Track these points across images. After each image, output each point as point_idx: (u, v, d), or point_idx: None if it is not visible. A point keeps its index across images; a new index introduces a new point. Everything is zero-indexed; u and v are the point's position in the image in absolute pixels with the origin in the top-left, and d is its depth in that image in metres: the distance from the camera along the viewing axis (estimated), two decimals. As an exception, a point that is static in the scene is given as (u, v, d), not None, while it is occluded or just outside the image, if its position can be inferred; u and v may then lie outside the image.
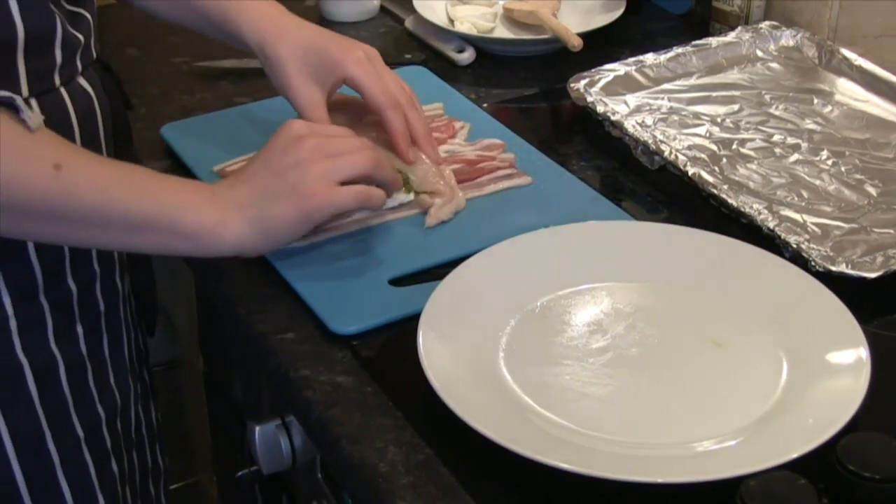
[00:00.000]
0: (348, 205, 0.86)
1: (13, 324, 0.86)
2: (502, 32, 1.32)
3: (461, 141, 1.08)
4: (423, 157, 0.97)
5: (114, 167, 0.82)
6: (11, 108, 0.77)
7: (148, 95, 1.19)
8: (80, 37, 0.86)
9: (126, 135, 0.98)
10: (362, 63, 0.94)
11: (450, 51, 1.28)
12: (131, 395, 0.99)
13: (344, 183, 0.85)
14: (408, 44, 1.33)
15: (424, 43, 1.32)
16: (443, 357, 0.79)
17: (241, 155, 1.03)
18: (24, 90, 0.82)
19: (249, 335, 0.89)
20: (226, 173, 1.01)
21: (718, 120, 1.11)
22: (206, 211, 0.82)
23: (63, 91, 0.86)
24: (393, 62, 1.24)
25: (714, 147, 1.06)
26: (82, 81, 0.88)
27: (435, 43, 1.30)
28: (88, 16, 0.88)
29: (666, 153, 1.03)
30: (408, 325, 0.83)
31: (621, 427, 0.76)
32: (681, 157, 1.03)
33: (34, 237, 0.83)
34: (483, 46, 1.29)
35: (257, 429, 0.92)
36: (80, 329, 0.91)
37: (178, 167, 1.06)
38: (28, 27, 0.80)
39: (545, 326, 0.85)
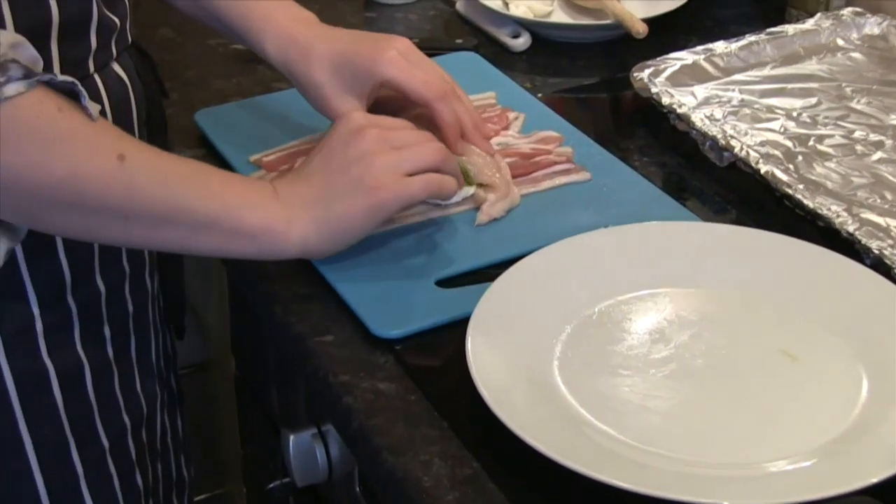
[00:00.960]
0: (419, 196, 0.87)
1: (39, 326, 0.87)
2: (560, 17, 1.32)
3: (515, 133, 1.08)
4: (476, 148, 0.98)
5: (176, 161, 0.83)
6: (73, 94, 0.77)
7: (181, 79, 1.21)
8: (116, 20, 0.87)
9: (160, 124, 0.99)
10: (396, 61, 0.94)
11: (504, 36, 1.28)
12: (158, 403, 1.00)
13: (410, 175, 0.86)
14: (459, 28, 1.33)
15: (477, 27, 1.32)
16: (493, 364, 0.79)
17: (280, 144, 1.04)
18: (59, 77, 0.82)
19: (286, 337, 0.89)
20: (263, 164, 1.02)
21: (794, 114, 1.10)
22: (271, 210, 0.83)
23: (97, 77, 0.87)
24: (442, 48, 1.24)
25: (789, 143, 1.05)
26: (116, 67, 0.89)
27: (488, 27, 1.31)
28: None
29: (736, 149, 1.03)
30: (455, 330, 0.84)
31: (684, 444, 0.76)
32: (752, 153, 1.02)
33: (87, 234, 0.83)
34: (540, 31, 1.29)
35: (292, 437, 0.93)
36: (107, 331, 0.92)
37: (212, 156, 1.07)
38: (63, 10, 0.81)
39: (603, 334, 0.85)
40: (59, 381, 0.89)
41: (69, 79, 0.77)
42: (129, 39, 0.91)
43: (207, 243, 0.83)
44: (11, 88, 0.73)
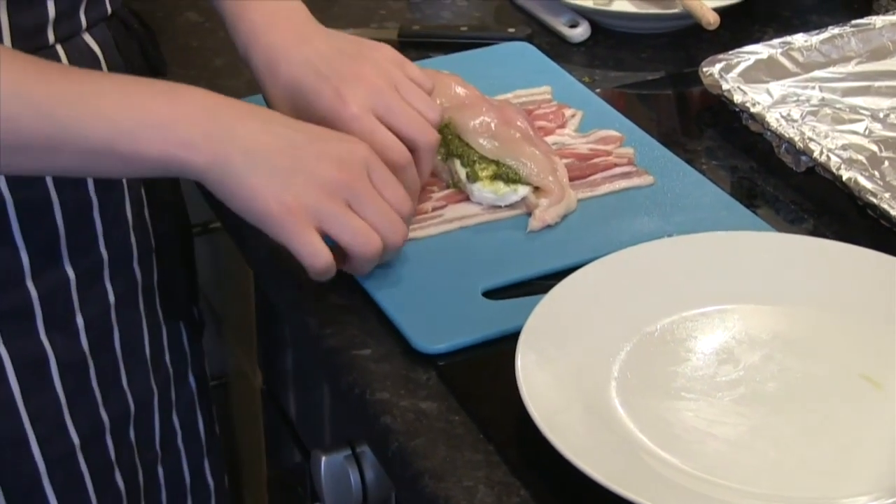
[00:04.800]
0: (293, 249, 0.84)
1: None
2: (623, 5, 1.32)
3: (571, 132, 1.08)
4: (534, 146, 0.98)
5: (65, 77, 0.81)
6: None
7: (210, 68, 1.22)
8: None
9: None
10: (356, 121, 0.90)
11: (560, 25, 1.29)
12: (155, 401, 1.00)
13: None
14: (512, 16, 1.34)
15: (531, 15, 1.33)
16: (544, 384, 0.80)
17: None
18: (8, 46, 0.83)
19: (319, 350, 0.90)
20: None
21: (881, 115, 1.10)
22: (177, 131, 0.81)
23: (59, 49, 0.87)
24: (493, 37, 1.25)
25: (874, 147, 1.05)
26: (88, 39, 0.90)
27: (543, 15, 1.31)
28: None
29: (815, 153, 1.03)
30: (504, 345, 0.84)
31: (754, 475, 0.76)
32: (833, 158, 1.02)
33: None
34: (600, 21, 1.30)
35: (323, 459, 0.94)
36: (80, 321, 0.93)
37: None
38: None
39: (665, 353, 0.85)
40: (17, 371, 0.90)
41: None
42: (109, 10, 0.91)
43: (107, 169, 0.84)
44: None
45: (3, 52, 0.80)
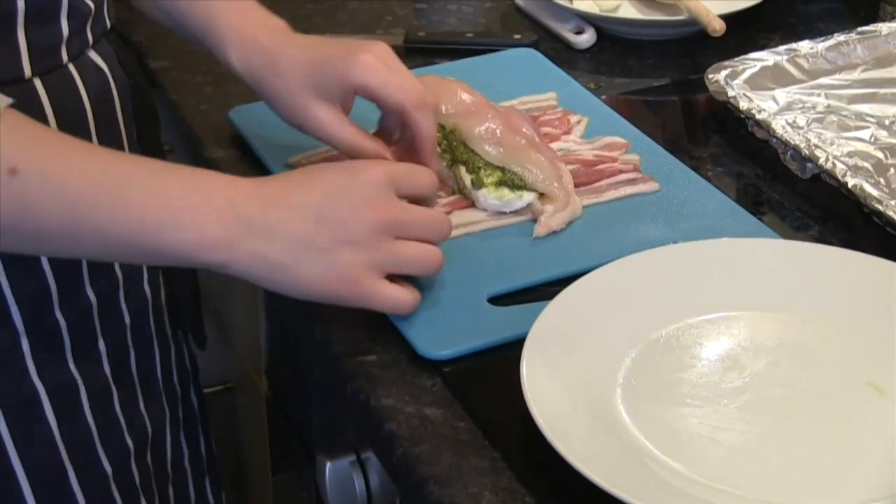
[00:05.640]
0: (377, 308, 0.86)
1: (25, 344, 0.87)
2: (629, 11, 1.32)
3: (577, 138, 1.08)
4: (539, 152, 0.98)
5: (91, 162, 0.78)
6: None
7: (215, 72, 1.22)
8: (90, 3, 0.87)
9: (150, 116, 0.98)
10: (372, 65, 0.91)
11: (566, 31, 1.29)
12: (167, 422, 1.00)
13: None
14: (518, 22, 1.34)
15: (537, 21, 1.33)
16: (549, 390, 0.80)
17: (322, 146, 1.05)
18: (27, 69, 0.82)
19: (324, 356, 0.90)
20: (302, 166, 1.03)
21: (886, 122, 1.10)
22: (207, 231, 0.79)
23: (72, 68, 0.86)
24: (499, 44, 1.26)
25: (880, 154, 1.05)
26: (94, 56, 0.89)
27: (549, 22, 1.32)
28: None
29: (821, 160, 1.03)
30: (509, 352, 0.84)
31: (759, 483, 0.76)
32: (839, 165, 1.02)
33: None
34: (606, 27, 1.30)
35: (328, 465, 0.94)
36: (102, 346, 0.92)
37: (248, 157, 1.08)
38: None
39: (671, 359, 0.85)
40: (52, 403, 0.89)
41: None
42: (108, 24, 0.90)
43: (128, 258, 0.83)
44: None
45: (28, 127, 0.78)
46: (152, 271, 0.97)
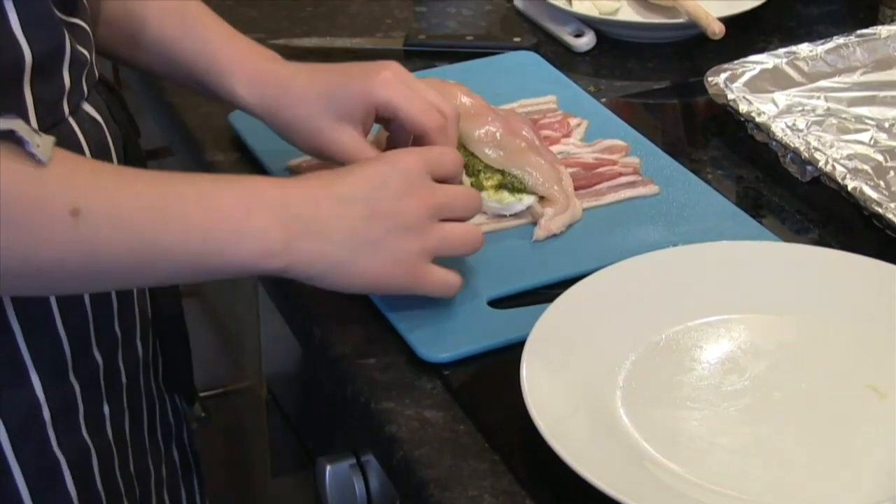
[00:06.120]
0: (429, 293, 0.87)
1: (46, 413, 0.85)
2: (628, 14, 1.32)
3: (577, 141, 1.09)
4: (539, 155, 0.98)
5: (147, 197, 0.78)
6: (14, 140, 0.73)
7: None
8: (86, 53, 0.85)
9: (139, 160, 0.97)
10: (392, 83, 0.91)
11: (566, 34, 1.29)
12: (152, 483, 0.99)
13: None
14: (517, 25, 1.34)
15: (536, 24, 1.33)
16: (549, 393, 0.80)
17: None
18: (34, 125, 0.79)
19: (324, 359, 0.91)
20: (303, 170, 1.03)
21: (886, 125, 1.10)
22: (268, 238, 0.80)
23: (72, 121, 0.84)
24: (498, 46, 1.26)
25: (880, 157, 1.06)
26: (88, 107, 0.87)
27: (549, 25, 1.32)
28: (86, 27, 0.86)
29: (821, 163, 1.03)
30: (509, 354, 0.84)
31: (759, 486, 0.76)
32: (839, 167, 1.02)
33: (50, 292, 0.82)
34: (605, 30, 1.30)
35: (328, 468, 0.94)
36: (106, 409, 0.91)
37: (247, 160, 1.08)
38: (35, 47, 0.78)
39: (671, 362, 0.85)
40: (72, 472, 0.88)
41: (7, 125, 0.73)
42: (97, 74, 0.89)
43: (193, 278, 0.84)
44: None
45: (82, 164, 0.78)
46: (144, 327, 0.96)
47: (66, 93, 0.83)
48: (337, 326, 0.91)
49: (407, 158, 0.87)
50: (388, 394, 0.85)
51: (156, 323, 0.99)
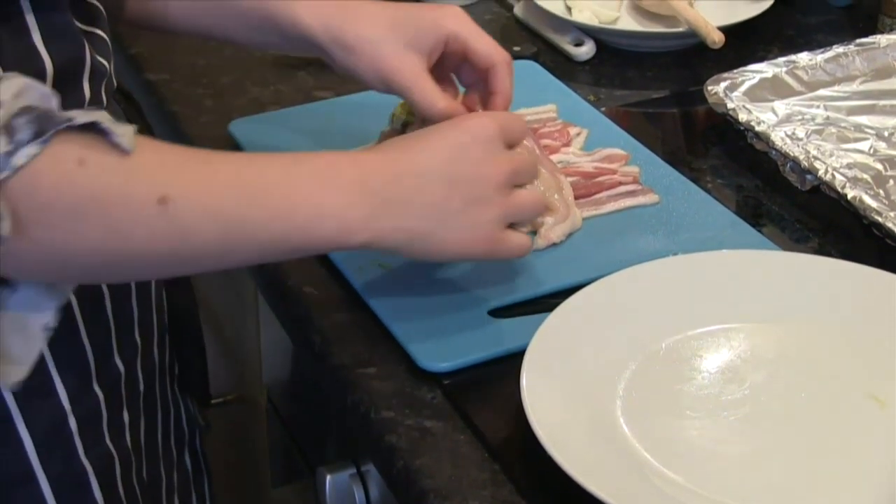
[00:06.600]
0: (507, 258, 0.89)
1: (72, 422, 0.85)
2: (628, 23, 1.32)
3: (577, 150, 1.09)
4: (539, 164, 0.98)
5: (230, 181, 0.78)
6: (98, 132, 0.72)
7: (216, 86, 1.23)
8: (105, 63, 0.85)
9: None
10: (461, 17, 0.94)
11: (566, 43, 1.29)
12: (163, 489, 0.99)
13: None
14: (517, 34, 1.34)
15: (536, 33, 1.33)
16: (549, 402, 0.80)
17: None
18: None
19: (324, 368, 0.91)
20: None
21: (885, 133, 1.10)
22: (349, 216, 0.80)
23: None
24: (499, 55, 1.26)
25: (879, 166, 1.06)
26: None
27: (549, 34, 1.32)
28: (106, 36, 0.86)
29: (820, 172, 1.03)
30: (509, 364, 0.84)
31: (760, 495, 0.76)
32: (838, 176, 1.02)
33: (139, 278, 0.84)
34: (605, 39, 1.30)
35: (328, 477, 0.94)
36: (126, 417, 0.90)
37: (248, 170, 1.08)
38: (56, 60, 0.78)
39: (670, 371, 0.85)
40: (98, 479, 0.87)
41: (90, 117, 0.72)
42: (115, 83, 0.89)
43: (277, 257, 0.85)
44: (21, 156, 0.69)
45: (166, 151, 0.77)
46: (162, 334, 0.96)
47: (86, 103, 0.83)
48: (337, 335, 0.91)
49: (483, 122, 0.86)
50: (389, 403, 0.85)
51: (172, 326, 0.99)
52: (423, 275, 0.94)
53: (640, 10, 1.34)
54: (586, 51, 1.28)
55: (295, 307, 0.95)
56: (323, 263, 0.97)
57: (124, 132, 0.73)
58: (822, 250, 1.00)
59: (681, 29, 1.27)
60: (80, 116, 0.72)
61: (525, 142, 1.00)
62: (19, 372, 0.76)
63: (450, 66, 0.96)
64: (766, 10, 1.30)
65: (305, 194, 0.79)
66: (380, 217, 0.81)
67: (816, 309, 0.89)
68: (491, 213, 0.84)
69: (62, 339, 0.82)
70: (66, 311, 0.82)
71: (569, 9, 1.33)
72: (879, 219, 0.98)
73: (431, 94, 0.92)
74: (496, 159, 0.85)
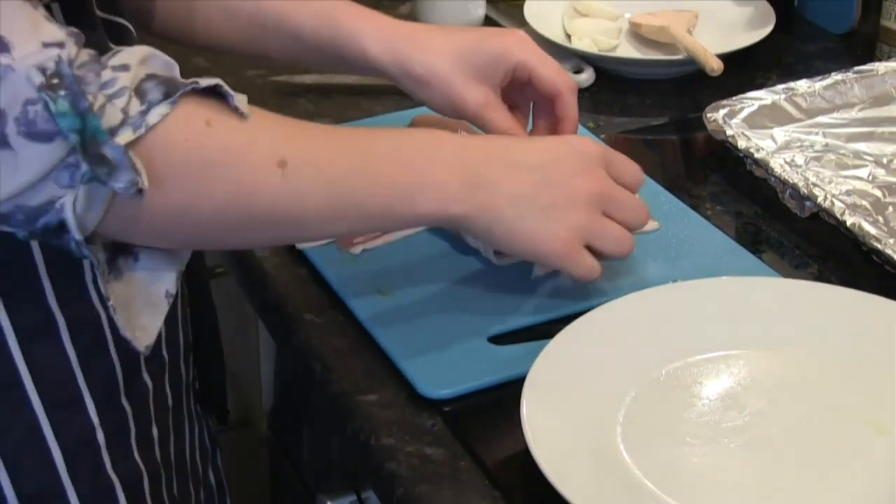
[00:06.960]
0: (575, 275, 0.89)
1: (101, 435, 0.85)
2: (627, 51, 1.33)
3: (576, 177, 1.09)
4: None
5: (340, 148, 0.82)
6: (217, 95, 0.75)
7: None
8: None
9: None
10: (527, 44, 0.95)
11: (566, 71, 1.30)
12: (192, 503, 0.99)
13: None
14: (516, 61, 1.35)
15: (536, 61, 1.34)
16: (550, 430, 0.80)
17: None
18: None
19: (324, 395, 0.91)
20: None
21: (884, 160, 1.10)
22: (450, 191, 0.83)
23: None
24: (499, 82, 1.26)
25: (878, 193, 1.06)
26: None
27: (548, 61, 1.32)
28: (129, 25, 0.86)
29: (819, 198, 1.03)
30: (509, 391, 0.84)
31: (760, 522, 0.76)
32: (837, 203, 1.02)
33: (255, 244, 0.88)
34: (604, 66, 1.31)
35: (329, 504, 0.94)
36: (155, 432, 0.90)
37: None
38: None
39: (671, 399, 0.86)
40: (126, 494, 0.87)
41: (212, 80, 0.75)
42: None
43: (380, 227, 0.89)
44: (154, 114, 0.71)
45: (279, 118, 0.80)
46: (187, 350, 0.96)
47: None
48: (337, 362, 0.91)
49: (588, 143, 0.90)
50: (389, 430, 0.85)
51: (196, 343, 0.99)
52: (423, 302, 0.94)
53: (639, 38, 1.34)
54: (586, 78, 1.29)
55: (295, 334, 0.95)
56: (323, 290, 0.97)
57: (241, 98, 0.76)
58: (821, 277, 1.00)
59: (680, 56, 1.28)
60: (203, 80, 0.74)
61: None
62: (148, 337, 0.79)
63: (515, 89, 0.98)
64: (765, 38, 1.31)
65: (409, 166, 0.83)
66: (476, 193, 0.84)
67: (816, 335, 0.89)
68: (574, 220, 0.86)
69: (91, 354, 0.83)
70: (95, 325, 0.84)
71: (568, 36, 1.33)
72: (878, 245, 0.98)
73: (503, 124, 0.95)
74: (593, 175, 0.88)
